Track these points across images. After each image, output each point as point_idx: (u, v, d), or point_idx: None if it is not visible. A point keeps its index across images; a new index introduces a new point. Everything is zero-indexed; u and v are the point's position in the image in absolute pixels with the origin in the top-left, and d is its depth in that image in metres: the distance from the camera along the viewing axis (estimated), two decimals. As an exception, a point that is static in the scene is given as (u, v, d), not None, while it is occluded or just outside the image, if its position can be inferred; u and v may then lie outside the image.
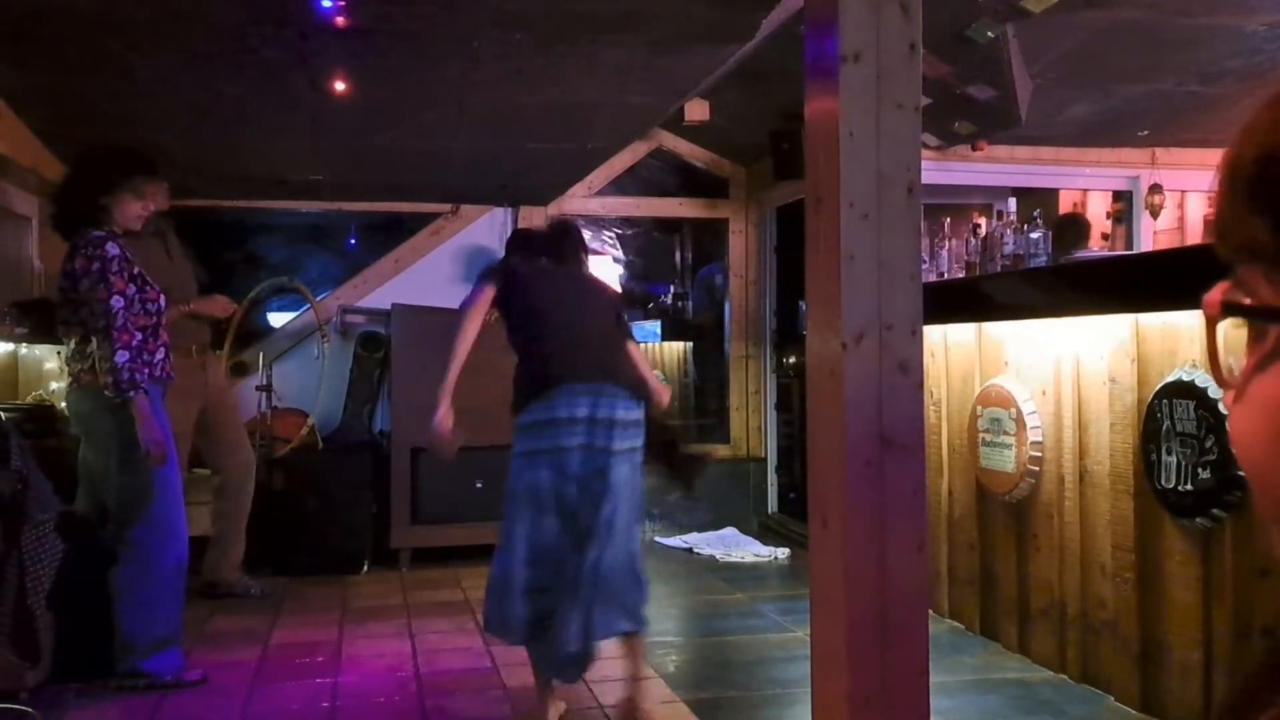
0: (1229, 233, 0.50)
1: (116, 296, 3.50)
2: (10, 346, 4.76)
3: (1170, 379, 3.09)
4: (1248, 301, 0.49)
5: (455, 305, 6.09)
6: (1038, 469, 3.76)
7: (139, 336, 3.54)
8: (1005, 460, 3.89)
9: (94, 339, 3.55)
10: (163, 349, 3.65)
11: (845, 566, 2.33)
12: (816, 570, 2.51)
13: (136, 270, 3.62)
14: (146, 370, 3.55)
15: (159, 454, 3.54)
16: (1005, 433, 3.89)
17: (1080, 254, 5.23)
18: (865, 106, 2.36)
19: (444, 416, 3.31)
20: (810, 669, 2.52)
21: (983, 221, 5.17)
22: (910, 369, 2.38)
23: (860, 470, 2.33)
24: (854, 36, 2.36)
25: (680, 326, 7.73)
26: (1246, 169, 0.49)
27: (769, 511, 6.81)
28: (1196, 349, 3.03)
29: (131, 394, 3.48)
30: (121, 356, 3.47)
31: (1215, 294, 0.50)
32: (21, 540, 3.03)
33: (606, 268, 7.19)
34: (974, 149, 5.89)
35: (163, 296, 3.72)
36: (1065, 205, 6.99)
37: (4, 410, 3.98)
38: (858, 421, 2.34)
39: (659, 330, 7.66)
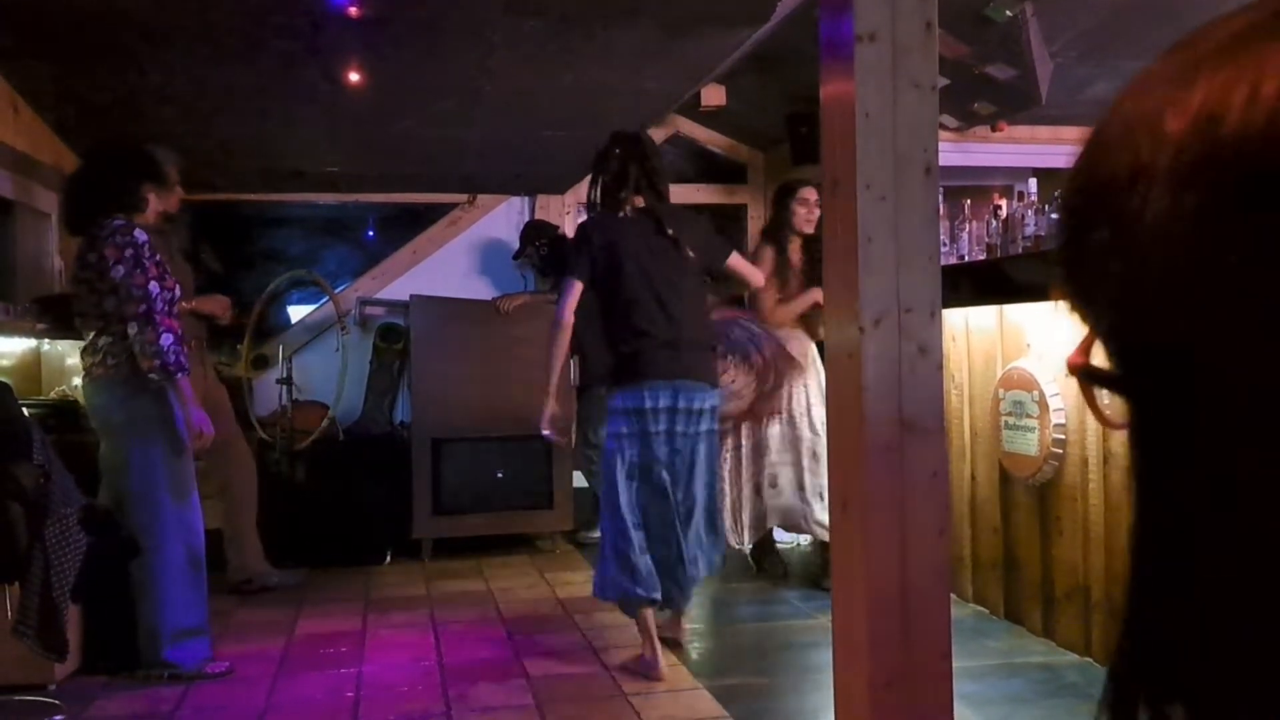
0: None
1: (153, 282, 3.53)
2: (33, 342, 4.79)
3: (1195, 359, 3.05)
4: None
5: (474, 295, 6.16)
6: (1061, 452, 3.72)
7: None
8: (1028, 443, 3.86)
9: (110, 330, 3.56)
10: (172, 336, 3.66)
11: (866, 551, 2.31)
12: (837, 555, 2.50)
13: (159, 258, 3.64)
14: None
15: (208, 433, 3.63)
16: (1028, 416, 3.85)
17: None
18: (881, 87, 2.34)
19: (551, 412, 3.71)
20: (832, 654, 2.51)
21: (1003, 203, 5.11)
22: (930, 351, 2.35)
23: (880, 454, 2.31)
24: (869, 16, 2.33)
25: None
26: None
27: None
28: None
29: (179, 376, 3.51)
30: (166, 339, 3.51)
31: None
32: (45, 534, 3.05)
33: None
34: (994, 130, 5.83)
35: (178, 286, 3.74)
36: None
37: (27, 406, 4.00)
38: (877, 405, 2.31)
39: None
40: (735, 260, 3.92)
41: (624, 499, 3.59)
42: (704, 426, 3.65)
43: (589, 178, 3.85)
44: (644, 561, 3.56)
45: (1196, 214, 0.40)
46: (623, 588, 3.57)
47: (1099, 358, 0.46)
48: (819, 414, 4.58)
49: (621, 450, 3.61)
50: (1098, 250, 0.44)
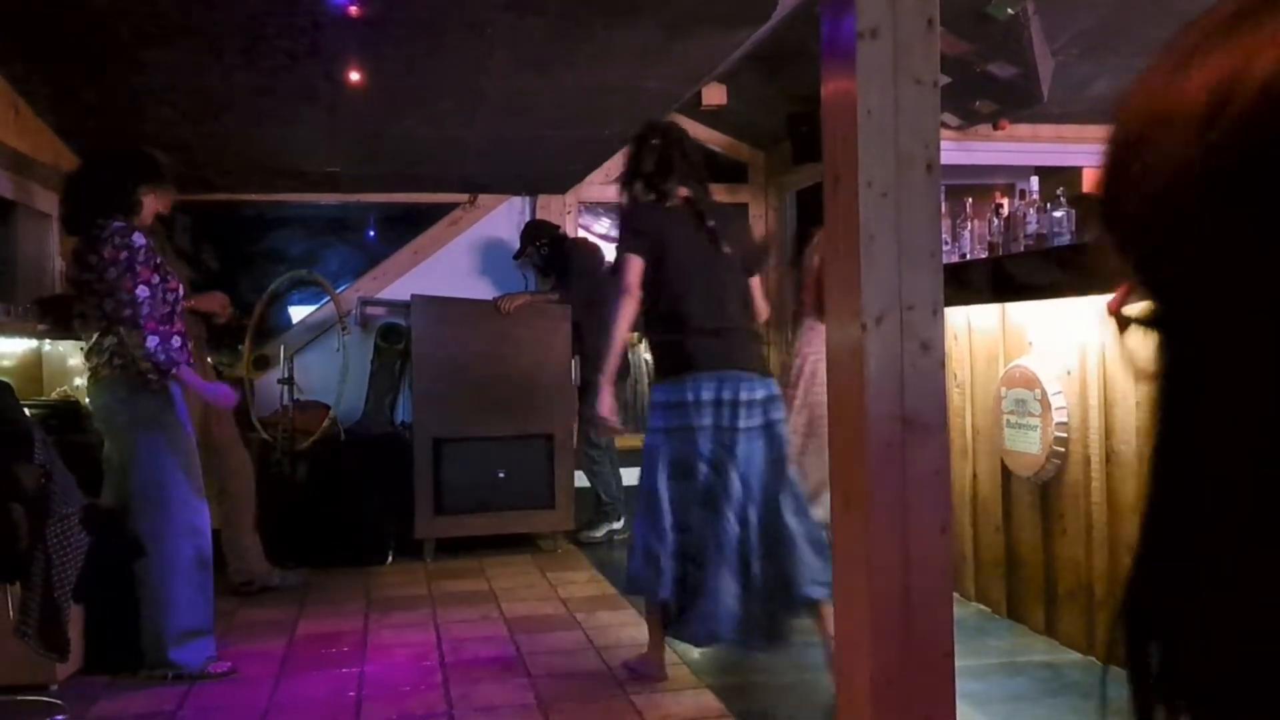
0: None
1: (142, 286, 3.55)
2: (34, 343, 4.79)
3: (1198, 356, 3.04)
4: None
5: (475, 295, 6.15)
6: (1063, 450, 3.72)
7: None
8: (1030, 442, 3.85)
9: (114, 331, 3.57)
10: (178, 337, 3.66)
11: (868, 549, 2.31)
12: (839, 553, 2.49)
13: (159, 260, 3.65)
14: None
15: (228, 401, 3.82)
16: (1030, 414, 3.85)
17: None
18: (883, 84, 2.33)
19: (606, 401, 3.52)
20: (834, 653, 2.51)
21: (1005, 201, 5.10)
22: (932, 349, 2.35)
23: (882, 452, 2.31)
24: (871, 12, 2.33)
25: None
26: None
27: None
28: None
29: (175, 371, 3.54)
30: (152, 341, 3.53)
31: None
32: (46, 534, 3.05)
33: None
34: (996, 128, 5.83)
35: (181, 286, 3.75)
36: (1089, 184, 6.91)
37: (29, 406, 3.99)
38: (879, 403, 2.31)
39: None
40: (753, 282, 3.69)
41: (664, 498, 3.41)
42: (759, 420, 3.41)
43: (625, 167, 3.69)
44: (672, 566, 3.39)
45: (1209, 169, 0.43)
46: (649, 589, 3.46)
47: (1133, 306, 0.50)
48: None
49: (662, 446, 3.44)
50: (1130, 197, 0.47)
